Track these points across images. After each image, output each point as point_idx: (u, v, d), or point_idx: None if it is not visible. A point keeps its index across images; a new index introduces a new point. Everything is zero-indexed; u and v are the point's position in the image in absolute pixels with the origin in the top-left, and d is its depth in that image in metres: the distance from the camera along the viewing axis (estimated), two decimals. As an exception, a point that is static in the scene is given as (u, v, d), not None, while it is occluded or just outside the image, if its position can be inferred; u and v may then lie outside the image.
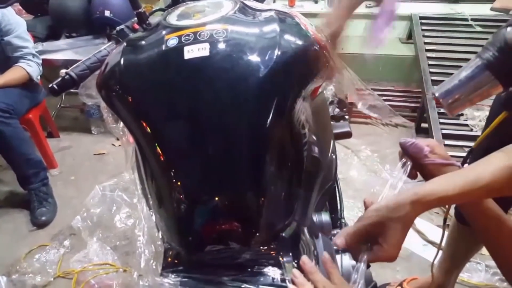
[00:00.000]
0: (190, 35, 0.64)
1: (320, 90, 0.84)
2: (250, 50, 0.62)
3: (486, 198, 0.58)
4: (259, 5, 0.75)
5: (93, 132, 2.56)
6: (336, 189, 1.17)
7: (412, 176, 0.69)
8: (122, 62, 0.67)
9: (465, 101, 0.59)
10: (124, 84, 0.67)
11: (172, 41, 0.65)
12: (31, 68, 1.83)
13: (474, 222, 0.64)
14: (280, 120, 0.60)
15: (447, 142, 2.15)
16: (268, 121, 0.58)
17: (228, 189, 0.59)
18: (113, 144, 2.43)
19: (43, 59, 1.94)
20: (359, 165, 2.23)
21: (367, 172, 2.15)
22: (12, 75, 1.80)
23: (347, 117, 1.60)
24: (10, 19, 1.77)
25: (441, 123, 2.24)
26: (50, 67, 2.22)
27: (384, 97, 2.74)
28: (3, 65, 1.83)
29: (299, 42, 0.65)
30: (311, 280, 0.54)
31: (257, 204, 0.59)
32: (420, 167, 0.68)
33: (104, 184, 1.89)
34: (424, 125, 2.40)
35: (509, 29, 0.55)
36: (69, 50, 2.33)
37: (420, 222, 1.74)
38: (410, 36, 3.09)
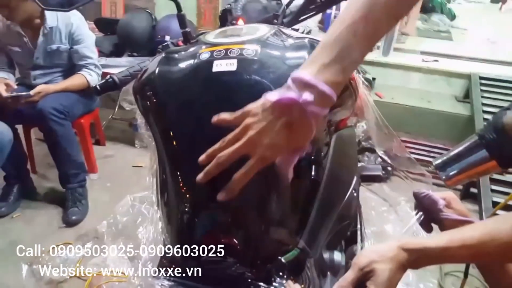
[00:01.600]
0: (222, 51, 0.67)
1: (348, 123, 0.82)
2: (275, 71, 0.63)
3: (477, 261, 0.56)
4: (295, 33, 0.77)
5: (136, 145, 2.68)
6: (358, 234, 1.09)
7: (427, 229, 0.65)
8: (157, 70, 0.71)
9: (462, 176, 0.59)
10: (156, 91, 0.70)
11: (204, 55, 0.68)
12: (91, 77, 2.00)
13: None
14: None
15: (498, 212, 1.95)
16: None
17: (232, 204, 0.58)
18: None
19: (103, 72, 2.10)
20: (396, 220, 2.08)
21: (403, 230, 2.00)
22: (73, 81, 1.97)
23: (390, 168, 1.53)
24: (82, 30, 1.98)
25: (492, 190, 2.06)
26: (108, 80, 2.41)
27: (433, 154, 2.60)
28: (68, 71, 2.03)
29: None
30: None
31: (258, 221, 0.58)
32: (436, 221, 0.64)
33: (135, 195, 1.95)
34: (473, 190, 2.21)
35: (508, 112, 0.52)
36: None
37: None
38: (467, 95, 2.97)
